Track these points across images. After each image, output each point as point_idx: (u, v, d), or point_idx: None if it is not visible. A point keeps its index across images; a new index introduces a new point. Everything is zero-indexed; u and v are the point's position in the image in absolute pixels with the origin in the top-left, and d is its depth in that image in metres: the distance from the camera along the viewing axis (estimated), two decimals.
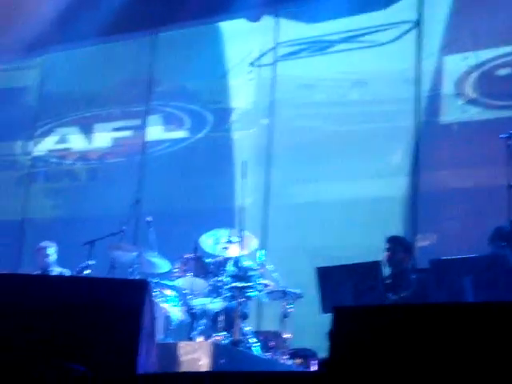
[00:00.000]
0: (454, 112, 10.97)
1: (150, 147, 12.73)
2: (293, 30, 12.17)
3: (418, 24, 11.30)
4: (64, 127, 13.48)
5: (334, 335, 3.68)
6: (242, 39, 12.63)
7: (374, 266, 7.80)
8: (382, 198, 10.77)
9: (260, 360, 8.33)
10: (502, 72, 10.72)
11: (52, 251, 10.05)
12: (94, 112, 13.29)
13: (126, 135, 13.24)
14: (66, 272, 9.69)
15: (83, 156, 13.40)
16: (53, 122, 13.48)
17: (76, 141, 13.44)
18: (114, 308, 4.69)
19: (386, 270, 8.11)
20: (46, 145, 13.62)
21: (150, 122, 12.87)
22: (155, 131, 12.86)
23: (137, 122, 13.05)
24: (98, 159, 13.22)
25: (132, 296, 4.79)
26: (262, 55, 12.31)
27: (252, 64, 12.39)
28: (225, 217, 10.77)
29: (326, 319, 4.13)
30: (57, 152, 13.50)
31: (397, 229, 9.99)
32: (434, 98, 11.06)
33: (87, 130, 13.37)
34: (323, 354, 7.62)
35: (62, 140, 13.53)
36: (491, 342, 3.52)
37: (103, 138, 13.35)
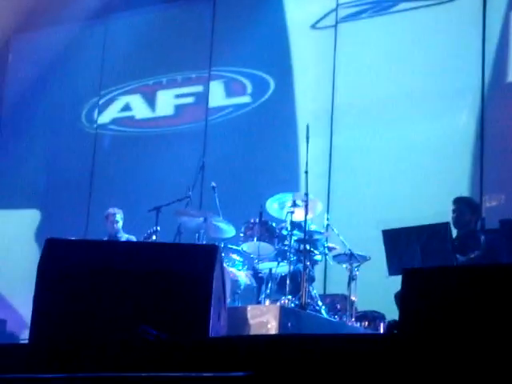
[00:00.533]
0: None
1: (212, 113, 12.60)
2: None
3: None
4: (127, 95, 13.47)
5: (404, 297, 3.68)
6: (302, 1, 12.52)
7: (442, 227, 7.84)
8: (449, 159, 10.68)
9: (327, 323, 8.48)
10: None
11: (119, 217, 10.25)
12: (156, 79, 13.23)
13: (189, 102, 13.16)
14: (133, 238, 9.90)
15: (147, 123, 13.27)
16: (116, 91, 13.47)
17: (139, 109, 13.38)
18: (185, 273, 4.77)
19: (454, 232, 8.06)
20: (110, 113, 13.61)
21: (211, 88, 12.82)
22: (217, 97, 12.80)
23: (198, 88, 13.04)
24: (162, 126, 13.08)
25: (202, 261, 4.85)
26: (322, 17, 12.12)
27: (313, 26, 12.26)
28: (289, 181, 10.94)
29: (393, 282, 4.36)
30: (121, 120, 13.45)
31: (464, 189, 10.02)
32: (501, 55, 10.88)
33: (150, 97, 13.27)
34: (390, 316, 7.75)
35: (126, 108, 13.49)
36: None
37: (166, 105, 13.26)
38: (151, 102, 13.35)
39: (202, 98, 12.92)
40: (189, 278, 4.71)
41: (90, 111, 13.72)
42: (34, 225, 13.51)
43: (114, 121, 13.59)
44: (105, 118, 13.66)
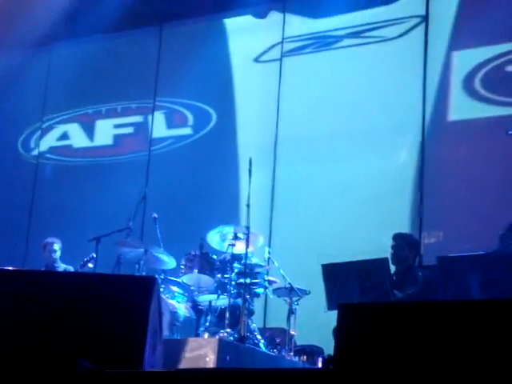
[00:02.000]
0: (461, 109, 11.05)
1: (153, 144, 12.71)
2: (299, 25, 12.26)
3: (425, 19, 11.44)
4: (66, 123, 13.54)
5: (340, 332, 3.70)
6: (247, 35, 12.71)
7: (381, 262, 7.93)
8: (389, 196, 10.82)
9: (266, 356, 8.47)
10: (511, 68, 10.84)
11: (57, 247, 10.24)
12: (96, 108, 13.27)
13: (128, 132, 13.28)
14: (71, 269, 9.83)
15: (85, 153, 13.25)
16: (55, 119, 13.49)
17: (77, 138, 13.44)
18: (122, 304, 4.72)
19: (393, 268, 8.16)
20: (48, 142, 13.65)
21: (152, 118, 13.01)
22: (158, 128, 12.90)
23: (138, 118, 13.20)
24: (101, 156, 13.14)
25: (139, 293, 4.81)
26: (266, 50, 12.34)
27: (257, 60, 12.45)
28: (231, 213, 11.02)
29: (332, 316, 4.19)
30: (58, 149, 13.48)
31: (403, 226, 10.14)
32: (442, 94, 11.12)
33: (88, 126, 13.33)
34: (329, 350, 7.84)
35: (64, 137, 13.58)
36: (497, 340, 3.52)
37: (105, 135, 13.37)
38: (90, 131, 13.31)
39: (142, 128, 13.02)
40: (125, 310, 4.68)
41: (27, 139, 13.66)
42: None
43: (51, 149, 13.50)
44: (42, 146, 13.51)
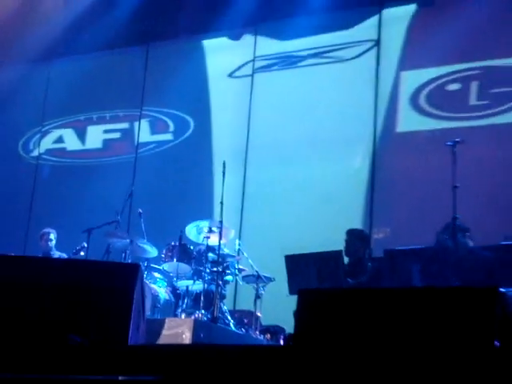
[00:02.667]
0: (407, 122, 11.21)
1: (139, 148, 12.85)
2: (268, 46, 12.33)
3: (377, 43, 11.59)
4: (61, 129, 13.61)
5: (299, 314, 3.74)
6: (222, 54, 12.73)
7: (336, 254, 8.09)
8: (345, 196, 10.95)
9: (235, 335, 8.68)
10: (452, 87, 10.95)
11: (53, 236, 10.30)
12: (87, 116, 13.37)
13: (116, 137, 13.33)
14: (64, 256, 9.79)
15: (77, 155, 13.35)
16: (51, 124, 13.59)
17: (70, 141, 13.50)
18: (109, 288, 4.72)
19: (346, 259, 8.33)
20: (44, 145, 13.70)
21: (137, 125, 13.04)
22: (143, 134, 12.93)
23: (125, 125, 13.22)
24: (91, 158, 13.21)
25: (125, 278, 4.81)
26: (239, 67, 12.47)
27: (230, 75, 12.57)
28: (206, 209, 11.08)
29: (293, 300, 4.27)
30: (53, 151, 13.57)
31: (356, 223, 10.21)
32: (391, 109, 11.28)
33: (81, 132, 13.44)
34: (290, 330, 7.93)
35: (59, 140, 13.62)
36: (432, 321, 3.54)
37: (95, 139, 13.43)
38: (82, 135, 13.39)
39: (129, 134, 13.06)
40: (112, 293, 4.68)
41: (27, 142, 13.70)
42: None
43: (48, 151, 13.54)
44: (40, 148, 13.61)
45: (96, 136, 13.43)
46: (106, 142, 13.39)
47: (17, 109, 13.69)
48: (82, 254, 9.43)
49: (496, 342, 3.30)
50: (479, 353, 3.26)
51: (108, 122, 13.37)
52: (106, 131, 13.39)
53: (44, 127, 13.76)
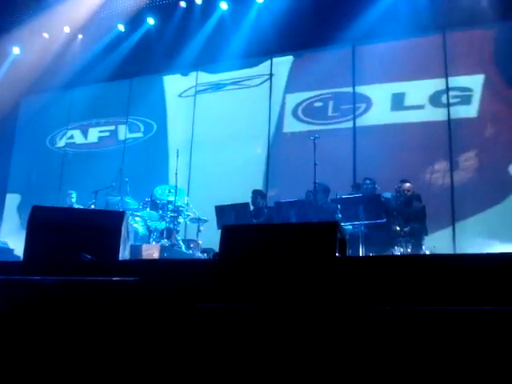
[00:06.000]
0: (290, 126, 11.29)
1: (121, 142, 12.81)
2: (204, 76, 12.31)
3: (271, 76, 11.70)
4: (72, 130, 13.53)
5: (222, 240, 3.49)
6: (176, 82, 12.65)
7: (245, 205, 8.57)
8: (252, 171, 11.11)
9: (185, 254, 8.85)
10: (318, 104, 11.06)
11: (74, 196, 10.49)
12: (88, 121, 13.33)
13: (106, 135, 13.14)
14: (81, 207, 9.79)
15: (82, 146, 13.33)
16: (68, 127, 13.60)
17: (78, 138, 13.47)
18: (107, 226, 4.65)
19: (251, 207, 8.67)
20: (64, 140, 13.64)
21: (121, 128, 12.95)
22: (122, 133, 12.90)
23: (112, 127, 13.06)
24: (91, 148, 13.16)
25: (116, 220, 4.72)
26: (186, 90, 12.43)
27: (180, 95, 12.54)
28: (166, 179, 11.05)
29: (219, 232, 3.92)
30: (69, 144, 13.50)
31: (259, 185, 10.51)
32: (279, 117, 11.43)
33: (84, 131, 13.39)
34: (217, 250, 8.27)
35: (71, 137, 13.53)
36: (302, 243, 3.34)
37: (93, 136, 13.29)
38: (85, 134, 13.38)
39: (114, 133, 13.00)
40: (109, 229, 4.59)
41: (53, 138, 13.70)
42: (16, 203, 13.48)
43: (66, 144, 13.51)
44: (61, 143, 13.65)
45: (94, 134, 13.31)
46: (100, 138, 13.22)
47: (46, 121, 13.57)
48: (93, 206, 9.37)
49: (337, 254, 3.27)
50: (327, 261, 3.20)
51: (101, 125, 13.20)
52: (100, 131, 13.24)
53: (66, 130, 13.57)
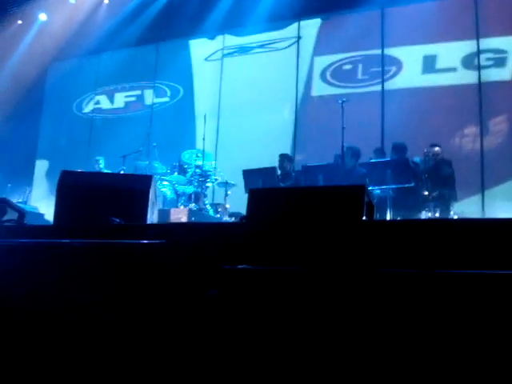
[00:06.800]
0: (318, 89, 11.25)
1: (148, 108, 12.85)
2: (231, 40, 12.32)
3: (298, 39, 11.67)
4: (98, 95, 13.61)
5: (249, 204, 3.47)
6: (202, 46, 12.70)
7: (272, 169, 8.61)
8: (280, 135, 11.08)
9: (213, 218, 8.92)
10: (346, 67, 11.02)
11: (102, 161, 10.57)
12: (114, 86, 13.42)
13: (132, 100, 13.22)
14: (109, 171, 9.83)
15: (109, 112, 13.44)
16: (94, 93, 13.67)
17: (104, 103, 13.58)
18: (136, 189, 4.60)
19: (279, 171, 8.75)
20: (90, 106, 13.77)
21: (147, 93, 12.98)
22: (149, 98, 12.93)
23: (138, 92, 13.12)
24: (117, 114, 13.26)
25: (144, 183, 4.69)
26: (212, 54, 12.44)
27: (206, 59, 12.54)
28: (194, 143, 11.14)
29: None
30: (95, 109, 13.61)
31: (286, 150, 10.38)
32: (307, 80, 11.39)
33: (110, 96, 13.49)
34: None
35: (97, 102, 13.64)
36: (330, 205, 3.31)
37: (119, 101, 13.41)
38: (111, 99, 13.47)
39: (140, 98, 13.06)
40: (138, 192, 4.55)
41: (79, 104, 13.81)
42: (45, 169, 13.62)
43: (92, 110, 13.62)
44: (88, 108, 13.74)
45: (120, 99, 13.38)
46: (126, 103, 13.31)
47: (73, 85, 13.65)
48: (122, 172, 9.41)
49: (364, 218, 3.26)
50: (354, 225, 3.19)
51: (127, 90, 13.27)
52: (126, 96, 13.31)
53: (92, 95, 13.64)
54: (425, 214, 7.57)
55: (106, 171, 10.06)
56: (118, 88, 13.43)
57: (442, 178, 7.98)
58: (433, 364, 2.57)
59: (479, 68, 9.86)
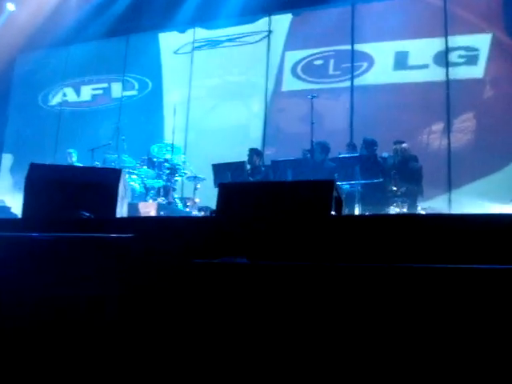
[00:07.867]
0: (289, 84, 11.27)
1: (116, 100, 12.81)
2: (201, 33, 12.27)
3: (269, 32, 11.69)
4: (65, 88, 13.46)
5: (218, 198, 3.50)
6: (172, 39, 12.62)
7: (242, 163, 8.63)
8: (250, 128, 11.23)
9: (182, 212, 8.90)
10: (318, 62, 11.03)
11: (75, 154, 10.43)
12: (81, 79, 13.27)
13: (99, 93, 13.14)
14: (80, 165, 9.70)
15: (75, 105, 13.32)
16: (61, 85, 13.51)
17: (70, 96, 13.44)
18: (105, 183, 4.65)
19: (248, 166, 8.77)
20: (57, 98, 13.63)
21: (114, 85, 12.95)
22: (117, 91, 12.89)
23: (105, 85, 13.07)
24: (83, 107, 13.16)
25: (113, 177, 4.73)
26: (182, 47, 12.40)
27: (175, 52, 12.50)
28: (162, 136, 11.23)
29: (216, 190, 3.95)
30: (62, 102, 13.46)
31: (256, 144, 10.42)
32: (278, 75, 11.42)
33: (77, 89, 13.36)
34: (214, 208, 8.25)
35: (64, 95, 13.49)
36: (299, 199, 3.36)
37: (86, 94, 13.30)
38: (78, 92, 13.37)
39: (107, 91, 13.01)
40: (106, 186, 4.60)
41: (45, 96, 13.64)
42: (9, 163, 13.52)
43: (59, 103, 13.46)
44: (54, 101, 13.59)
45: (87, 92, 13.28)
46: (93, 96, 13.22)
47: (41, 77, 13.45)
48: (97, 165, 9.27)
49: (332, 212, 3.29)
50: (322, 219, 3.22)
51: (94, 83, 13.17)
52: (93, 89, 13.22)
53: (59, 87, 13.47)
54: (393, 209, 7.69)
55: (78, 164, 9.99)
56: (85, 80, 13.32)
57: (409, 173, 8.12)
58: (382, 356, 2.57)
59: (447, 65, 9.95)
